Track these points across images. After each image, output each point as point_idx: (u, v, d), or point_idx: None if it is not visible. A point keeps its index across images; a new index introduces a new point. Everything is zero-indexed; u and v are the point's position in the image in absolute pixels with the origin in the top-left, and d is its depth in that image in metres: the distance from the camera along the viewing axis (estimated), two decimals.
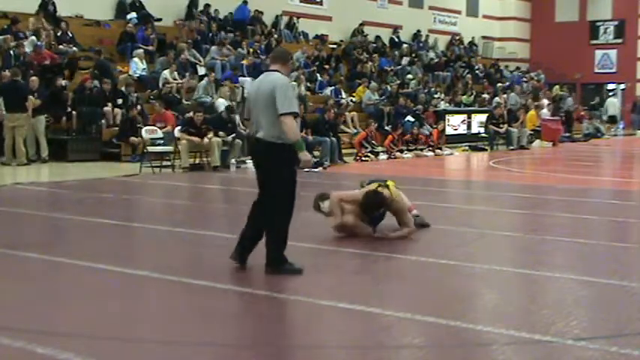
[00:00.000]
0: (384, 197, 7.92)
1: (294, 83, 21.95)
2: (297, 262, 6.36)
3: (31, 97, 15.76)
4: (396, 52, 29.90)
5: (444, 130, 22.53)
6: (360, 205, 7.93)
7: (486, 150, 22.50)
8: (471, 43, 35.83)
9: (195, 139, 15.41)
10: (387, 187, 8.15)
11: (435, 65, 30.48)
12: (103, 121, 17.29)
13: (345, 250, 7.62)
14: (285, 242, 6.31)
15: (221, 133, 15.84)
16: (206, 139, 15.46)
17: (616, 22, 38.17)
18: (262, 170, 6.35)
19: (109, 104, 17.45)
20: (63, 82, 17.30)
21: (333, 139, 17.13)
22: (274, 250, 6.27)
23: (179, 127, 15.85)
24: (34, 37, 18.74)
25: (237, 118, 18.15)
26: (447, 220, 9.45)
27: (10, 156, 15.54)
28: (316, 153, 16.78)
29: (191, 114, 16.27)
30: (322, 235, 8.04)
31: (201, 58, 22.05)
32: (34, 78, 16.36)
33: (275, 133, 6.13)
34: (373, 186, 8.17)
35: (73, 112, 17.15)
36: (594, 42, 38.63)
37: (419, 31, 33.07)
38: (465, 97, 27.56)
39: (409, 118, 21.82)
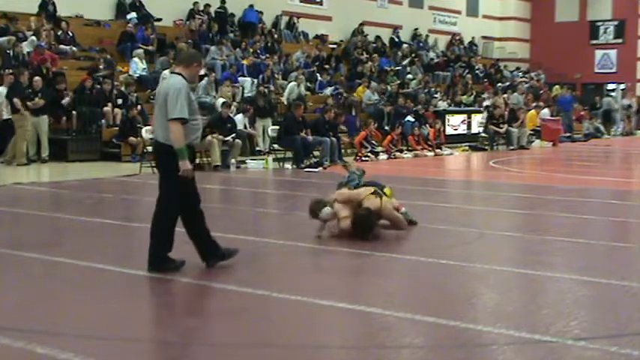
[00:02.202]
0: (373, 222, 7.87)
1: (295, 83, 22.01)
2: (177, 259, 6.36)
3: (37, 97, 15.84)
4: (398, 53, 29.90)
5: (441, 129, 22.51)
6: (353, 225, 7.87)
7: (486, 150, 22.50)
8: (471, 43, 35.84)
9: None
10: (381, 196, 8.13)
11: (435, 65, 30.49)
12: (103, 121, 17.30)
13: (345, 250, 7.62)
14: (171, 243, 6.34)
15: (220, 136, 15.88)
16: (207, 138, 15.47)
17: (616, 22, 38.18)
18: (158, 170, 6.44)
19: (109, 104, 17.45)
20: (63, 86, 17.31)
21: (333, 139, 17.13)
22: (156, 248, 6.29)
23: None
24: (34, 38, 18.75)
25: (238, 118, 18.20)
26: (447, 220, 9.45)
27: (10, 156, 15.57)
28: (316, 153, 16.79)
29: None
30: (322, 235, 8.04)
31: None
32: (37, 78, 16.37)
33: (166, 135, 6.16)
34: (368, 192, 8.11)
35: (73, 112, 17.15)
36: (594, 42, 38.64)
37: (419, 30, 33.07)
38: (465, 97, 27.56)
39: (409, 118, 21.81)
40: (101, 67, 18.94)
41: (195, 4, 24.25)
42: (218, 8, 25.03)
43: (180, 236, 8.37)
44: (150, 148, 15.40)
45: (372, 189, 8.20)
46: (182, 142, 6.09)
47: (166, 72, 20.36)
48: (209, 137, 15.55)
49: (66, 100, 17.05)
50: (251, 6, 25.71)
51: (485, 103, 25.20)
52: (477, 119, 24.94)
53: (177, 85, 6.12)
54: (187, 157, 6.12)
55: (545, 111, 26.57)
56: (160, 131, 6.21)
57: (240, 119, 18.25)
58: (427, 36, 33.41)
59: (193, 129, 6.23)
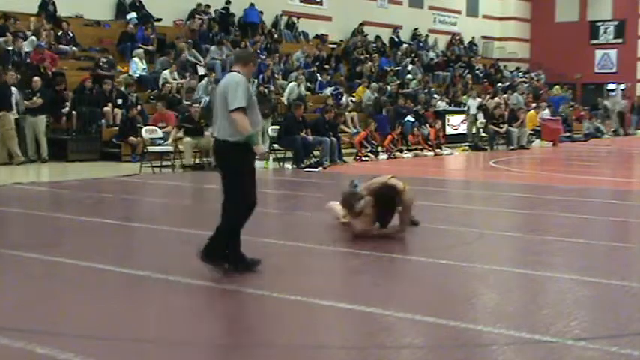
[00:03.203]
0: (397, 189, 7.91)
1: (295, 83, 22.02)
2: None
3: (35, 97, 15.88)
4: (398, 53, 29.90)
5: (441, 129, 22.53)
6: (375, 196, 7.90)
7: (486, 150, 22.50)
8: (471, 43, 35.83)
9: (192, 140, 15.43)
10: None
11: (435, 65, 30.49)
12: (103, 121, 17.29)
13: (345, 250, 7.62)
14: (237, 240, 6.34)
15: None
16: (205, 135, 15.48)
17: (616, 22, 38.18)
18: (221, 169, 6.42)
19: (109, 104, 17.46)
20: (63, 86, 17.33)
21: (333, 139, 17.14)
22: (219, 245, 6.27)
23: (178, 124, 15.92)
24: (34, 38, 18.76)
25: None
26: (447, 220, 9.45)
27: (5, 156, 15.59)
28: (316, 153, 16.79)
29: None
30: (322, 235, 8.04)
31: (201, 58, 22.06)
32: (36, 78, 16.38)
33: (230, 132, 6.18)
34: (383, 178, 8.16)
35: (73, 112, 17.16)
36: (594, 42, 38.65)
37: (418, 30, 33.07)
38: (465, 97, 27.56)
39: (409, 118, 21.82)
40: (103, 64, 18.93)
41: (198, 5, 24.30)
42: (222, 9, 25.08)
43: (181, 236, 8.39)
44: (150, 149, 15.50)
45: (388, 176, 8.25)
46: (249, 129, 6.14)
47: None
48: (209, 136, 15.58)
49: (66, 110, 17.09)
50: (252, 5, 25.71)
51: (468, 103, 25.13)
52: (463, 120, 24.78)
53: (235, 79, 6.24)
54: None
55: (546, 111, 26.57)
56: (222, 130, 6.23)
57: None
58: (427, 36, 33.41)
59: (253, 124, 6.27)
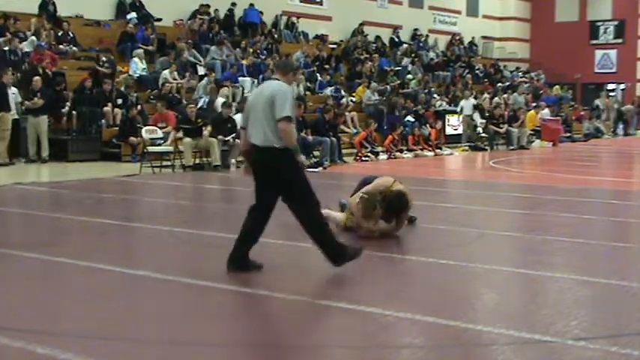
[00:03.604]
0: (407, 200, 7.91)
1: (295, 83, 22.04)
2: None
3: (36, 97, 15.89)
4: (398, 53, 29.91)
5: (442, 129, 22.54)
6: (384, 206, 7.89)
7: (486, 150, 22.50)
8: (471, 43, 35.84)
9: (192, 140, 15.43)
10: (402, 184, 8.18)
11: (435, 65, 30.49)
12: (103, 121, 17.30)
13: None
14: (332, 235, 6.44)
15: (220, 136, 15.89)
16: (204, 134, 15.48)
17: (616, 22, 38.19)
18: (270, 177, 6.33)
19: (109, 104, 17.46)
20: (63, 85, 17.33)
21: (333, 139, 17.13)
22: (331, 246, 6.31)
23: (176, 125, 15.94)
24: (34, 38, 18.76)
25: (237, 117, 18.19)
26: (447, 220, 9.45)
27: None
28: (316, 153, 16.79)
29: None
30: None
31: (201, 58, 22.07)
32: (36, 78, 16.38)
33: (273, 138, 6.16)
34: (388, 181, 8.14)
35: (73, 112, 17.16)
36: (594, 42, 38.66)
37: (418, 30, 33.07)
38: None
39: (409, 118, 21.83)
40: (103, 63, 18.93)
41: (201, 6, 24.32)
42: (227, 10, 25.14)
43: (180, 236, 8.39)
44: (150, 149, 15.50)
45: (391, 181, 8.23)
46: (295, 139, 6.23)
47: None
48: (208, 136, 15.58)
49: (65, 110, 17.10)
50: (252, 5, 25.72)
51: (461, 104, 25.12)
52: (458, 120, 24.74)
53: (283, 88, 6.26)
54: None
55: (545, 111, 26.57)
56: (266, 137, 6.18)
57: (239, 118, 18.25)
58: (427, 36, 33.41)
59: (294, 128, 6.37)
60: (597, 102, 32.72)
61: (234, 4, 25.29)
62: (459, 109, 24.79)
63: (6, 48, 17.77)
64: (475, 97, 25.93)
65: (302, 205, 6.29)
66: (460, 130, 24.48)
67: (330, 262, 6.33)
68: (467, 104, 24.83)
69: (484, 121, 23.88)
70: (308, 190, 6.29)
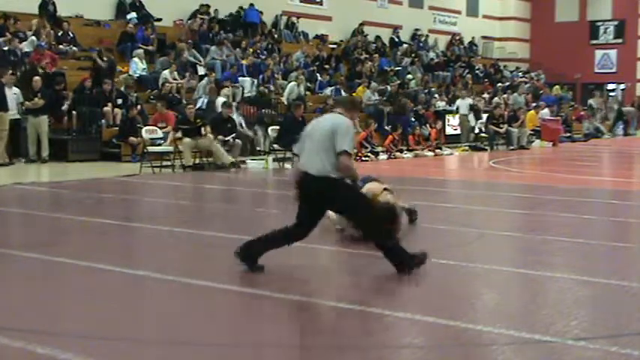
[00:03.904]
0: (396, 215, 7.87)
1: (295, 83, 22.05)
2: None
3: (36, 98, 15.91)
4: (398, 53, 29.90)
5: (442, 129, 22.54)
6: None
7: (486, 150, 22.51)
8: (471, 43, 35.84)
9: (191, 140, 15.42)
10: (392, 192, 8.14)
11: (435, 65, 30.49)
12: (103, 121, 17.30)
13: (345, 250, 7.62)
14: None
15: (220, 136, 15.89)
16: (205, 138, 15.47)
17: (616, 22, 38.19)
18: (323, 204, 6.51)
19: (109, 104, 17.46)
20: (62, 85, 17.33)
21: None
22: (401, 255, 6.36)
23: (175, 126, 15.93)
24: (34, 38, 18.76)
25: (237, 117, 18.22)
26: (447, 220, 9.45)
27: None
28: None
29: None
30: (322, 236, 8.04)
31: (201, 58, 22.07)
32: (36, 78, 16.39)
33: (328, 168, 6.25)
34: (377, 190, 8.10)
35: (73, 112, 17.16)
36: (594, 42, 38.66)
37: (419, 30, 33.07)
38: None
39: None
40: (103, 63, 18.94)
41: (201, 5, 24.33)
42: (235, 12, 25.20)
43: (180, 236, 8.39)
44: (150, 149, 15.50)
45: (383, 186, 8.21)
46: (355, 171, 6.48)
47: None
48: (209, 136, 15.57)
49: (65, 107, 17.10)
50: (251, 5, 25.73)
51: (457, 103, 25.12)
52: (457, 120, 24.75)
53: (347, 122, 6.40)
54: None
55: (545, 111, 26.58)
56: (322, 166, 6.26)
57: (239, 118, 18.31)
58: (427, 36, 33.41)
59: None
60: (591, 102, 32.65)
61: (241, 8, 25.39)
62: (455, 109, 24.81)
63: (6, 48, 17.78)
64: (470, 98, 25.95)
65: (360, 219, 6.54)
66: (460, 130, 24.50)
67: (402, 273, 6.35)
68: (463, 104, 24.84)
69: (478, 121, 23.90)
70: (365, 204, 6.53)
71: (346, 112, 6.55)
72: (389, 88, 25.18)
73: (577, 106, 32.84)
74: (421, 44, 32.55)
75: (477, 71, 32.16)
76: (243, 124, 18.42)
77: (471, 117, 24.42)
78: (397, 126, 20.11)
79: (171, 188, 13.33)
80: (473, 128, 24.32)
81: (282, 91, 21.86)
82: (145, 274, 6.38)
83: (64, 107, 17.18)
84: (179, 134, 15.55)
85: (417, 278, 6.35)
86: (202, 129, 15.56)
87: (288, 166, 16.43)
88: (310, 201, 6.43)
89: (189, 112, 15.93)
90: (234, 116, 17.97)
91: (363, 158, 18.28)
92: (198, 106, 18.17)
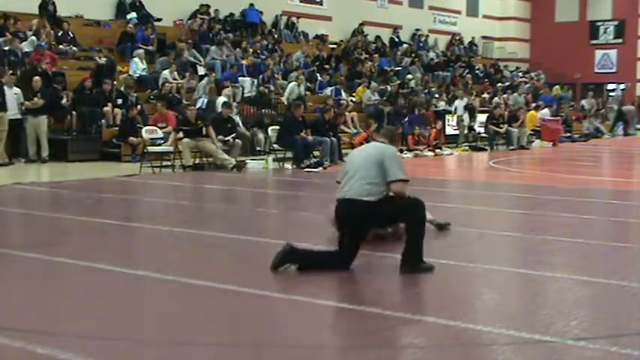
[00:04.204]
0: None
1: (295, 83, 22.06)
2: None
3: (36, 98, 15.91)
4: (398, 53, 29.91)
5: (442, 129, 22.54)
6: None
7: (486, 150, 22.50)
8: (471, 43, 35.85)
9: (191, 141, 15.42)
10: None
11: (435, 65, 30.49)
12: (103, 121, 17.30)
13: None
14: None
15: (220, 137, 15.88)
16: (206, 139, 15.46)
17: (616, 22, 38.20)
18: (365, 227, 6.56)
19: (109, 104, 17.46)
20: (62, 85, 17.35)
21: (333, 139, 17.13)
22: (418, 251, 6.44)
23: (176, 127, 15.91)
24: (34, 38, 18.76)
25: (237, 118, 18.23)
26: (447, 220, 9.43)
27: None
28: (316, 153, 16.79)
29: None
30: (322, 236, 8.03)
31: (201, 58, 22.07)
32: (36, 78, 16.39)
33: (370, 192, 6.32)
34: None
35: (73, 112, 17.16)
36: (594, 42, 38.67)
37: (419, 30, 33.08)
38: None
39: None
40: (103, 63, 18.96)
41: (201, 5, 24.33)
42: (240, 14, 25.22)
43: (180, 236, 8.39)
44: (150, 149, 15.49)
45: None
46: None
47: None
48: (210, 137, 15.57)
49: (65, 101, 17.10)
50: (251, 5, 25.73)
51: (455, 104, 25.13)
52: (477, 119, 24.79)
53: (393, 151, 6.61)
54: None
55: (545, 110, 26.58)
56: (361, 191, 6.35)
57: (237, 118, 18.34)
58: (427, 36, 33.42)
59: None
60: (583, 102, 32.55)
61: (246, 8, 25.42)
62: (453, 109, 24.83)
63: (6, 48, 17.78)
64: (469, 98, 25.98)
65: (409, 214, 6.50)
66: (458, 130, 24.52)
67: (406, 268, 6.39)
68: (460, 104, 24.85)
69: (472, 120, 23.92)
70: (407, 202, 6.48)
71: (391, 143, 6.77)
72: (389, 88, 25.19)
73: (577, 106, 32.85)
74: (421, 44, 32.56)
75: (477, 71, 32.16)
76: (240, 124, 18.43)
77: (466, 116, 24.43)
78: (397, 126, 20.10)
79: (171, 188, 13.33)
80: (471, 128, 24.33)
81: (282, 91, 21.87)
82: (145, 274, 6.38)
83: (64, 101, 17.12)
84: (180, 134, 15.55)
85: (417, 278, 6.35)
86: (203, 130, 15.55)
87: (287, 166, 16.44)
88: (351, 225, 6.48)
89: (190, 113, 15.90)
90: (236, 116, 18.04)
91: None
92: (198, 106, 18.16)
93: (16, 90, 16.04)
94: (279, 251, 6.34)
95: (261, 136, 18.71)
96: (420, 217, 6.45)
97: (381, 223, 6.98)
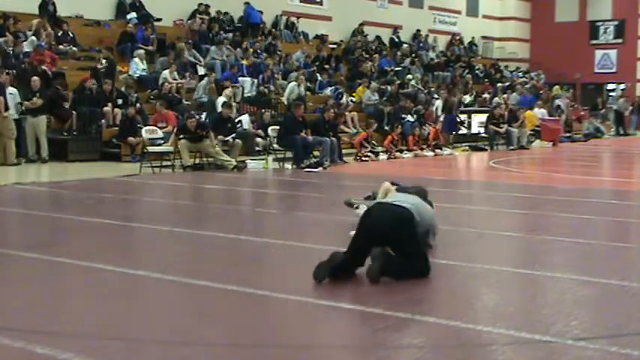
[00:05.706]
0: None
1: (295, 83, 22.05)
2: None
3: (35, 97, 15.89)
4: (398, 53, 29.91)
5: (442, 129, 22.54)
6: None
7: (486, 150, 22.51)
8: (471, 43, 35.85)
9: (191, 143, 15.41)
10: None
11: (435, 65, 30.49)
12: (103, 121, 17.30)
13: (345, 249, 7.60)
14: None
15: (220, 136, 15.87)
16: (207, 144, 15.44)
17: (616, 22, 38.19)
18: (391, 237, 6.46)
19: (109, 104, 17.46)
20: (61, 85, 17.35)
21: (333, 139, 17.13)
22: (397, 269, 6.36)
23: (176, 131, 15.85)
24: (34, 38, 18.76)
25: (244, 118, 18.25)
26: (447, 220, 9.42)
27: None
28: (316, 153, 16.79)
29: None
30: (321, 235, 8.04)
31: (201, 58, 22.07)
32: (35, 78, 16.38)
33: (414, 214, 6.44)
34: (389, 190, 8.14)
35: (73, 112, 17.16)
36: (594, 42, 38.65)
37: (419, 31, 33.08)
38: (465, 97, 27.57)
39: (409, 118, 21.83)
40: (102, 62, 18.95)
41: (201, 5, 24.32)
42: (243, 15, 25.31)
43: (180, 236, 8.39)
44: (150, 149, 15.48)
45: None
46: None
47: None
48: (210, 138, 15.56)
49: (65, 93, 17.10)
50: (251, 5, 25.72)
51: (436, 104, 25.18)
52: (477, 119, 24.83)
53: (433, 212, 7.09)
54: None
55: (542, 110, 26.58)
56: (410, 206, 6.49)
57: (246, 120, 18.35)
58: (427, 36, 33.41)
59: None
60: (558, 102, 31.88)
61: (257, 10, 25.49)
62: (434, 109, 24.84)
63: (10, 49, 17.77)
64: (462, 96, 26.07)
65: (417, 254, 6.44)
66: (461, 130, 24.53)
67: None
68: (439, 104, 24.85)
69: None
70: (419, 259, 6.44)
71: (424, 201, 7.00)
72: (389, 88, 25.19)
73: (577, 106, 32.84)
74: (421, 44, 32.55)
75: (477, 71, 32.16)
76: (249, 125, 18.45)
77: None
78: (395, 126, 20.11)
79: (171, 188, 13.33)
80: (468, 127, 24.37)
81: (282, 91, 21.87)
82: (145, 274, 6.38)
83: (65, 92, 17.11)
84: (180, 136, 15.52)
85: (417, 279, 6.35)
86: (204, 137, 15.49)
87: (287, 166, 16.44)
88: (379, 232, 6.30)
89: (190, 124, 15.49)
90: (245, 117, 18.05)
91: (363, 158, 18.27)
92: (202, 118, 17.66)
93: (12, 90, 16.02)
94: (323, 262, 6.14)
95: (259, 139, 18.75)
96: (419, 270, 6.30)
97: (396, 243, 6.48)
